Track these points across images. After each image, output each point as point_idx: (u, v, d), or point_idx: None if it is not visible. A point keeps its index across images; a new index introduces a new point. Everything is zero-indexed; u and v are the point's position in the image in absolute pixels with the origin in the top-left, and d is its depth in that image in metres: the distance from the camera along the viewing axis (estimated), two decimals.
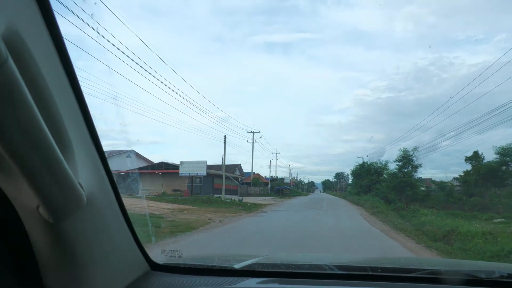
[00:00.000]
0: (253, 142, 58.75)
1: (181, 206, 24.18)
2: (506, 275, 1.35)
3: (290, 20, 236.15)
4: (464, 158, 36.38)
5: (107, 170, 1.12)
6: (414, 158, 29.93)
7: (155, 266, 1.50)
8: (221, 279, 1.47)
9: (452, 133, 48.40)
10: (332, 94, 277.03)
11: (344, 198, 55.10)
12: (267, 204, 29.79)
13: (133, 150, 46.50)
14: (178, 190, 39.40)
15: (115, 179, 1.18)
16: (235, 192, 55.88)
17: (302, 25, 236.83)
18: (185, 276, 1.49)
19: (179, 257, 1.71)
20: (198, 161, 31.86)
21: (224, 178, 32.60)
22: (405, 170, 30.38)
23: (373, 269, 1.49)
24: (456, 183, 45.78)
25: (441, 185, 43.54)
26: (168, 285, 1.38)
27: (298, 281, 1.47)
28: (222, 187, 32.39)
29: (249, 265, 1.58)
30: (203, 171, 31.64)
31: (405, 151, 30.42)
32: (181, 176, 34.61)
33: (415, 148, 30.38)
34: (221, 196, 34.91)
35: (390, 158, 46.15)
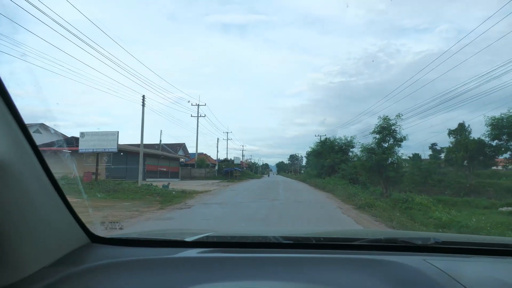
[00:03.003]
0: (197, 116, 49.35)
1: None
2: (441, 241, 1.41)
3: (246, 1, 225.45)
4: (448, 131, 29.92)
5: (28, 136, 1.01)
6: (397, 129, 22.58)
7: (96, 239, 1.42)
8: (166, 250, 1.39)
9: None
10: (287, 77, 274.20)
11: (303, 181, 47.49)
12: (203, 192, 21.26)
13: (42, 124, 36.28)
14: (93, 173, 30.35)
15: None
16: (175, 175, 46.81)
17: (258, 7, 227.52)
18: (128, 248, 1.41)
19: (120, 229, 1.41)
20: (106, 131, 22.31)
21: (141, 156, 23.34)
22: (386, 145, 23.08)
23: (317, 239, 1.51)
24: (406, 164, 42.81)
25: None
26: (107, 256, 1.29)
27: (242, 250, 1.43)
28: (139, 169, 23.16)
29: (200, 238, 1.47)
30: (113, 147, 22.24)
31: (385, 118, 22.93)
32: (101, 155, 25.25)
33: (398, 116, 22.87)
34: (147, 181, 26.30)
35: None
